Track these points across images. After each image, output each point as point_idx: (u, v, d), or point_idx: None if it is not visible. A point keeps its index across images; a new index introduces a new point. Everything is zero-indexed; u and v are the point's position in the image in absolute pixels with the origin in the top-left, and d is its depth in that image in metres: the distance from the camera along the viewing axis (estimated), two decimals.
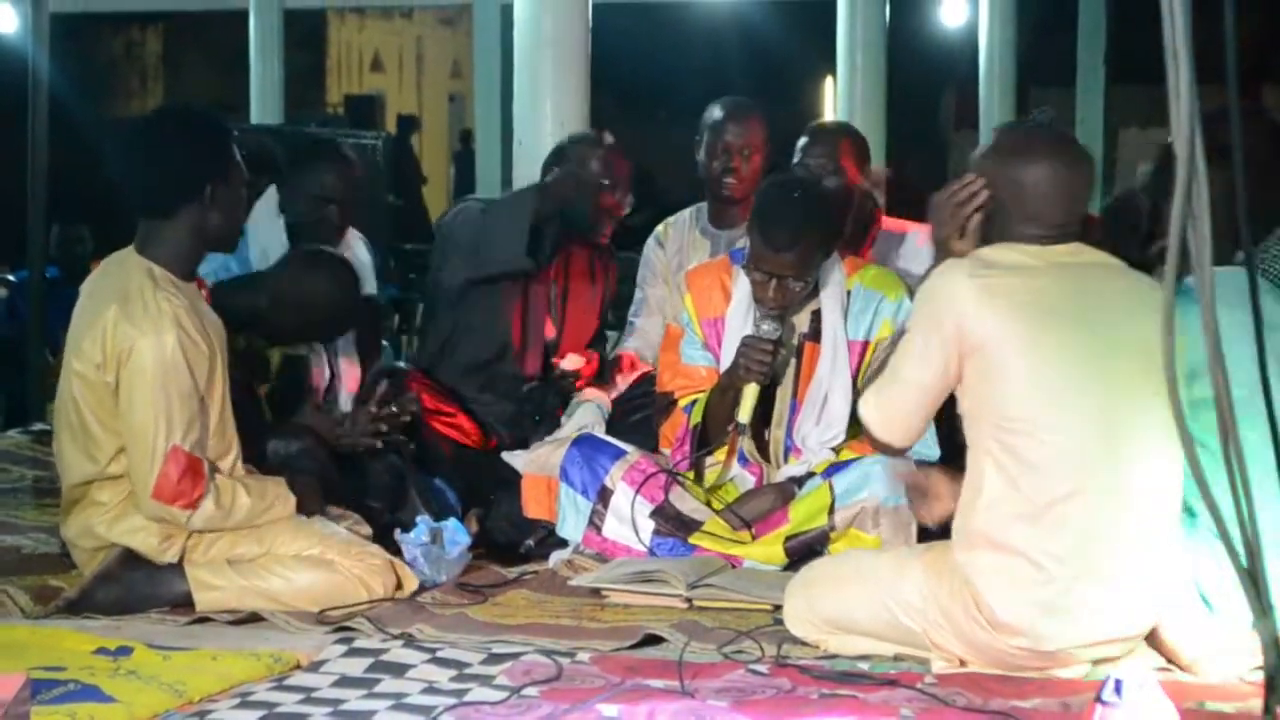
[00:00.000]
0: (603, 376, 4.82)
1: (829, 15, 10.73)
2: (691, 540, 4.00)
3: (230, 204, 3.70)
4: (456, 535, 3.98)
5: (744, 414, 4.05)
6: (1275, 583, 2.34)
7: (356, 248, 4.76)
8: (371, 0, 20.22)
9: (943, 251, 3.22)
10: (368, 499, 4.20)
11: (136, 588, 3.62)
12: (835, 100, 11.38)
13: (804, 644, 3.30)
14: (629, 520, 4.05)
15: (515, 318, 4.71)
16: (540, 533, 4.25)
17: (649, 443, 4.33)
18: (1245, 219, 2.11)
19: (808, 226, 4.03)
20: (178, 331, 3.53)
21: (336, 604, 3.61)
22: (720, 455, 4.23)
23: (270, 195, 4.60)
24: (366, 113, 16.82)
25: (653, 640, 3.35)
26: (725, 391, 4.12)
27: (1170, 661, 3.13)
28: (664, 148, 10.21)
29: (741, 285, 4.22)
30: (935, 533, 3.44)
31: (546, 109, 5.20)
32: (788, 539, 3.94)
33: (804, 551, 3.88)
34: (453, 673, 3.08)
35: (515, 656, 3.18)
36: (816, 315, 4.20)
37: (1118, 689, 2.40)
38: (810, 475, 4.07)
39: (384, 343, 5.33)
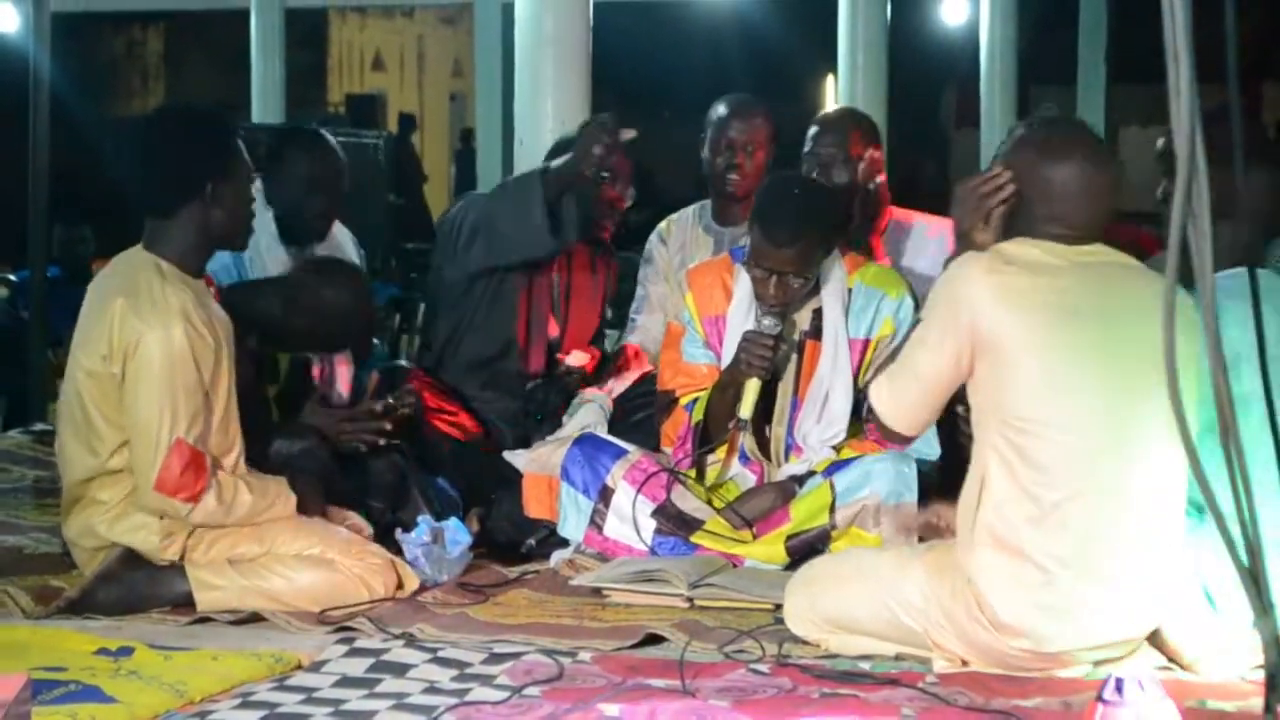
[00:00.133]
0: (602, 374, 4.82)
1: (830, 13, 10.74)
2: (693, 539, 4.00)
3: (233, 201, 3.69)
4: (457, 535, 3.98)
5: (745, 409, 4.05)
6: (1276, 581, 2.34)
7: (346, 246, 4.76)
8: None
9: (965, 242, 3.20)
10: (369, 498, 4.20)
11: (137, 588, 3.62)
12: (836, 99, 11.39)
13: (805, 643, 3.30)
14: (630, 519, 4.05)
15: (520, 313, 4.71)
16: (541, 532, 4.25)
17: (650, 442, 4.33)
18: (1245, 217, 2.11)
19: (808, 222, 4.03)
20: (185, 325, 3.53)
21: (337, 604, 3.61)
22: (722, 453, 4.23)
23: (257, 188, 4.60)
24: (368, 112, 16.84)
25: (654, 640, 3.35)
26: (726, 388, 4.12)
27: (1171, 660, 3.12)
28: (665, 146, 10.20)
29: (743, 283, 4.22)
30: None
31: (548, 108, 5.19)
32: (789, 538, 3.94)
33: (805, 550, 3.88)
34: (454, 672, 3.08)
35: (516, 656, 3.18)
36: (818, 313, 4.20)
37: (1119, 688, 2.40)
38: (811, 474, 4.07)
39: (375, 341, 5.32)
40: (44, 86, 6.57)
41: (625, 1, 13.59)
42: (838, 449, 4.14)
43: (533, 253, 4.50)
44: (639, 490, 4.07)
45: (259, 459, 3.80)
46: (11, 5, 12.16)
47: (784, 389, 4.21)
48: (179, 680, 2.97)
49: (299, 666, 3.16)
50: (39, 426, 5.99)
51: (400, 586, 3.76)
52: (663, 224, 5.13)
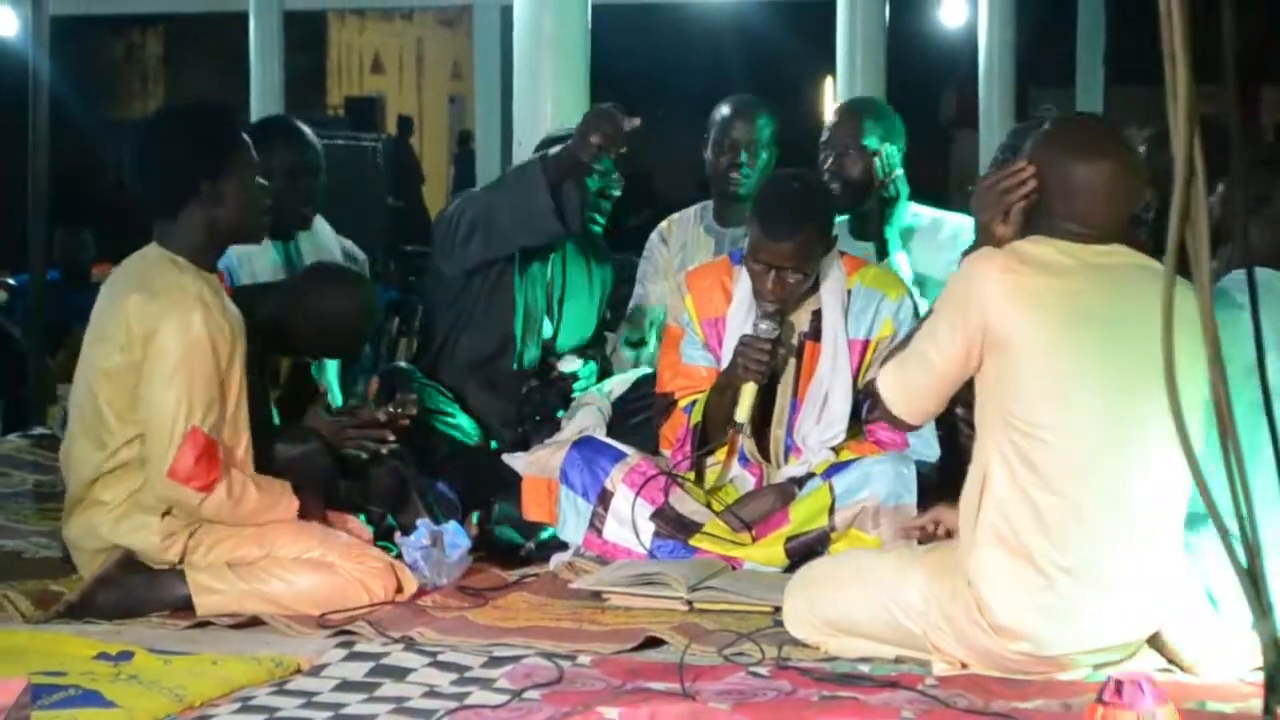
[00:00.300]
0: (603, 377, 4.83)
1: (828, 15, 10.73)
2: (692, 542, 4.00)
3: (236, 196, 3.69)
4: (457, 538, 3.98)
5: (742, 414, 4.05)
6: (1276, 582, 2.34)
7: (327, 237, 4.75)
8: (371, 2, 20.23)
9: (984, 235, 3.20)
10: (369, 502, 4.20)
11: (136, 591, 3.62)
12: (835, 101, 11.38)
13: (804, 646, 3.30)
14: (629, 522, 4.05)
15: (518, 309, 4.71)
16: (541, 535, 4.25)
17: (649, 445, 4.32)
18: (1243, 215, 2.11)
19: (807, 217, 4.03)
20: (203, 312, 3.53)
21: (337, 607, 3.61)
22: (720, 455, 4.23)
23: None
24: (367, 114, 16.86)
25: (653, 643, 3.35)
26: (724, 391, 4.12)
27: (1171, 662, 3.12)
28: (663, 148, 10.21)
29: (742, 285, 4.22)
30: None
31: (546, 110, 5.20)
32: (788, 540, 3.93)
33: (804, 553, 3.87)
34: (453, 676, 3.08)
35: (516, 659, 3.18)
36: (817, 315, 4.20)
37: (1118, 690, 2.40)
38: (810, 476, 4.06)
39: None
40: (43, 90, 6.57)
41: (624, 4, 13.59)
42: (837, 451, 4.14)
43: (538, 239, 4.51)
44: (638, 493, 4.06)
45: (260, 462, 3.80)
46: (11, 9, 12.14)
47: (783, 390, 4.20)
48: (179, 685, 2.97)
49: (298, 670, 3.16)
50: (38, 431, 5.98)
51: (400, 590, 3.76)
52: (664, 224, 5.14)
